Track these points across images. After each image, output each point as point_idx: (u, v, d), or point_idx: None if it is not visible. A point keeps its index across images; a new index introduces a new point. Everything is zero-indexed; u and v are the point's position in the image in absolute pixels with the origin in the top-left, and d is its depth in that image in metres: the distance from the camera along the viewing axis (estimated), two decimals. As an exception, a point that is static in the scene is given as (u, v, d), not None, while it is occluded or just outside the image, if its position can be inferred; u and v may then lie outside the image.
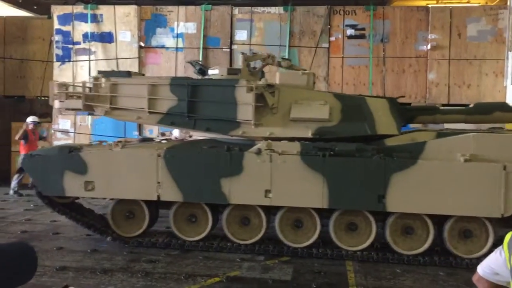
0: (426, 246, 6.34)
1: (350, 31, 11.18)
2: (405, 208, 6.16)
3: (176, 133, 8.12)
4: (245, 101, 6.70)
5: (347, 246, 6.54)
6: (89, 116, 11.73)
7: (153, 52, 11.73)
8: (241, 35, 11.49)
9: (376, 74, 11.02)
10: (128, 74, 7.59)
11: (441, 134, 6.75)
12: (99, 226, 7.07)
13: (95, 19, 11.80)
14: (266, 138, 6.62)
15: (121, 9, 11.67)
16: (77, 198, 7.47)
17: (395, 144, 6.51)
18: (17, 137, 11.02)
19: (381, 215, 6.43)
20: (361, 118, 6.65)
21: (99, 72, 7.92)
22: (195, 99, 6.89)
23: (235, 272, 6.00)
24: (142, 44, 11.70)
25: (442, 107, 7.81)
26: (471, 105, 7.40)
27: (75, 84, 8.22)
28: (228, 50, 11.47)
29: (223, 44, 11.51)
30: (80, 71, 11.88)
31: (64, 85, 7.59)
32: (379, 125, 6.68)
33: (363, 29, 11.14)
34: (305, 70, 7.63)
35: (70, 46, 11.90)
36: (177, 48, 11.63)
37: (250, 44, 11.42)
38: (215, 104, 6.83)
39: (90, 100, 7.26)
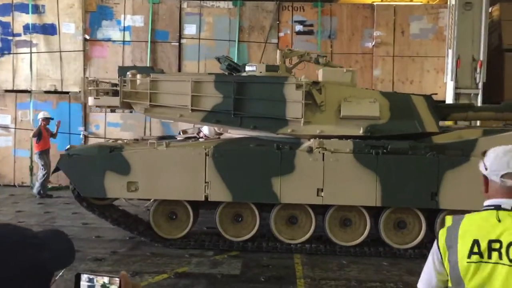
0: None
1: (298, 27, 11.30)
2: (457, 205, 6.12)
3: (205, 130, 7.61)
4: (294, 98, 6.52)
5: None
6: (31, 111, 11.27)
7: (98, 45, 11.40)
8: (190, 29, 11.36)
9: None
10: (152, 69, 7.26)
11: (487, 132, 6.70)
12: (142, 229, 6.79)
13: (37, 10, 11.32)
14: (315, 136, 6.51)
15: (65, 0, 11.24)
16: (116, 199, 7.13)
17: (444, 141, 6.50)
18: (31, 135, 10.26)
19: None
20: (410, 116, 6.64)
21: (119, 67, 7.62)
22: (241, 96, 6.63)
23: (184, 268, 5.95)
24: (87, 37, 11.34)
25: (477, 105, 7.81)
26: (502, 103, 7.55)
27: (108, 80, 7.61)
28: (177, 44, 11.32)
29: (171, 38, 11.34)
30: (20, 64, 11.39)
31: (94, 81, 7.16)
32: (425, 123, 6.70)
33: (311, 25, 11.29)
34: (342, 67, 7.48)
35: (10, 37, 11.36)
36: (124, 41, 11.36)
37: (199, 39, 11.33)
38: (262, 102, 6.60)
39: (127, 97, 6.85)
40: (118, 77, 7.06)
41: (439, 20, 10.93)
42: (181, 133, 8.47)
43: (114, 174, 6.44)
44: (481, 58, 9.59)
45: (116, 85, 6.96)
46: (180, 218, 6.84)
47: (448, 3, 10.17)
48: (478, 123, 8.64)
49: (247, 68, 7.06)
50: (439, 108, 7.19)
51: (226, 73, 7.35)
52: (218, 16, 11.34)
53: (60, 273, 1.42)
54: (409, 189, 6.17)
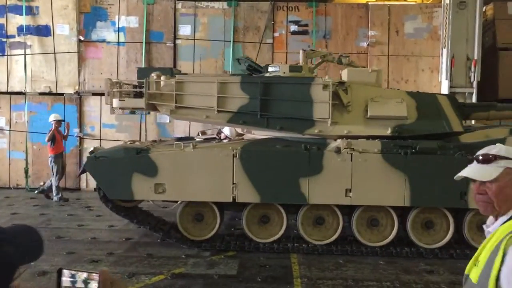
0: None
1: (293, 27, 11.31)
2: None
3: (227, 131, 7.50)
4: (321, 99, 6.52)
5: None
6: (26, 113, 11.23)
7: (93, 47, 11.36)
8: (185, 29, 11.35)
9: (319, 70, 11.18)
10: (171, 71, 7.27)
11: None
12: (167, 230, 6.79)
13: (31, 11, 11.27)
14: (342, 137, 6.51)
15: (59, 2, 11.21)
16: (141, 201, 7.12)
17: (472, 141, 6.51)
18: (46, 140, 10.11)
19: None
20: (437, 116, 6.65)
21: (139, 69, 7.54)
22: (267, 97, 6.62)
23: (180, 269, 5.94)
24: (82, 38, 11.31)
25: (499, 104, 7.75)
26: None
27: (129, 82, 7.58)
28: (172, 45, 11.31)
29: (166, 39, 11.32)
30: (15, 66, 11.34)
31: (117, 83, 7.15)
32: (452, 122, 6.69)
33: (306, 25, 11.30)
34: (364, 67, 7.44)
35: (4, 39, 11.31)
36: (118, 42, 11.33)
37: (194, 39, 11.32)
38: (289, 102, 6.60)
39: (152, 99, 6.83)
40: (138, 79, 7.08)
41: (434, 20, 10.97)
42: (200, 134, 8.48)
43: (141, 176, 6.45)
44: (476, 57, 9.63)
45: (139, 86, 6.96)
46: (206, 220, 6.83)
47: (442, 2, 10.20)
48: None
49: (270, 68, 7.05)
50: (461, 108, 7.18)
51: (248, 74, 7.32)
52: (213, 17, 11.34)
53: (28, 267, 1.50)
54: (438, 189, 6.16)
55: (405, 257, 6.41)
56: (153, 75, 6.85)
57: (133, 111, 7.71)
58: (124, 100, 6.97)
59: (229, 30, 11.26)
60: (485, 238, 1.97)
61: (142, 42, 11.24)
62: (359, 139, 6.41)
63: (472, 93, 9.71)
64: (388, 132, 6.47)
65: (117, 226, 7.97)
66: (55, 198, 9.95)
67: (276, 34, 11.35)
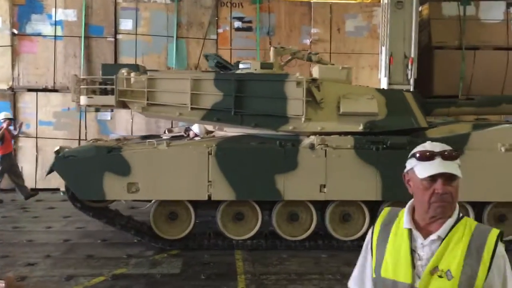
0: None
1: (237, 24, 11.29)
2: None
3: (196, 128, 7.32)
4: (295, 96, 6.52)
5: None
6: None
7: (28, 40, 10.84)
8: (126, 24, 11.06)
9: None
10: (137, 67, 6.99)
11: (476, 126, 6.83)
12: (143, 230, 6.64)
13: (-42, 2, 10.61)
14: (316, 133, 6.51)
15: (-10, -8, 10.61)
16: (112, 202, 6.89)
17: (438, 136, 6.59)
18: None
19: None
20: (406, 112, 6.80)
21: (103, 65, 7.30)
22: (241, 94, 6.55)
23: (122, 270, 5.79)
24: (16, 31, 10.76)
25: (458, 100, 7.93)
26: (476, 98, 7.83)
27: (96, 78, 7.18)
28: (113, 39, 10.99)
29: (107, 33, 10.99)
30: None
31: (83, 80, 6.78)
32: (418, 118, 6.84)
33: (250, 21, 11.31)
34: (333, 64, 7.47)
35: None
36: (55, 36, 10.87)
37: (136, 34, 11.06)
38: (263, 100, 6.55)
39: (122, 96, 6.59)
40: (102, 75, 6.82)
41: (373, 18, 11.29)
42: (166, 131, 8.22)
43: (113, 175, 6.23)
44: (412, 55, 9.98)
45: (106, 83, 6.72)
46: (180, 219, 6.70)
47: (381, 2, 10.51)
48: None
49: (241, 65, 7.02)
50: (424, 104, 7.38)
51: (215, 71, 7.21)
52: (155, 11, 11.12)
53: None
54: None
55: (347, 250, 6.56)
56: (123, 71, 6.64)
57: (98, 108, 7.44)
58: (92, 98, 6.74)
59: (172, 25, 11.08)
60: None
61: (81, 36, 10.84)
62: (332, 135, 6.51)
63: (409, 90, 10.05)
64: (360, 128, 6.58)
65: (55, 227, 7.67)
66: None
67: (220, 30, 11.29)
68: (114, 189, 6.27)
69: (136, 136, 8.61)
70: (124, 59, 11.00)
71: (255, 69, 6.89)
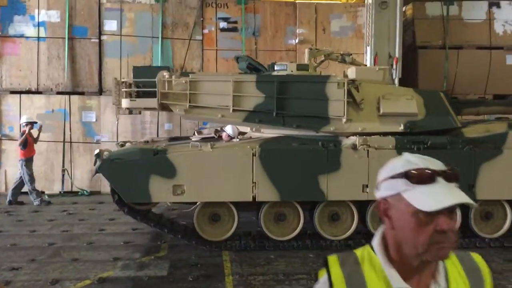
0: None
1: (222, 24, 11.27)
2: (491, 195, 6.56)
3: (229, 130, 7.25)
4: (336, 97, 6.59)
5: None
6: None
7: (11, 42, 10.71)
8: (110, 25, 10.97)
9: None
10: (168, 68, 7.02)
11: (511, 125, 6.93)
12: (186, 233, 6.63)
13: None
14: (356, 134, 6.57)
15: (-29, -7, 10.46)
16: (156, 205, 6.98)
17: (476, 135, 6.72)
18: (19, 145, 9.45)
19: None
20: (444, 112, 6.88)
21: (135, 68, 7.30)
22: (283, 95, 6.62)
23: (108, 273, 5.73)
24: (-2, 33, 10.62)
25: (488, 100, 8.02)
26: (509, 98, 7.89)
27: (135, 81, 7.13)
28: (97, 40, 10.89)
29: (91, 34, 10.89)
30: None
31: (124, 82, 6.85)
32: (455, 118, 6.94)
33: (235, 22, 11.30)
34: (366, 65, 7.50)
35: None
36: (38, 37, 10.75)
37: (120, 35, 10.97)
38: (304, 101, 6.61)
39: (164, 99, 6.65)
40: (134, 78, 6.83)
41: (358, 19, 11.35)
42: (195, 133, 8.26)
43: (159, 177, 6.25)
44: (397, 55, 10.05)
45: (146, 86, 6.79)
46: (223, 220, 6.69)
47: (366, 2, 10.57)
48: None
49: (277, 67, 7.07)
50: (454, 104, 7.43)
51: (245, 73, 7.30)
52: (140, 12, 11.05)
53: None
54: None
55: (334, 249, 6.58)
56: (165, 74, 6.70)
57: (131, 111, 7.49)
58: (135, 101, 6.80)
59: (157, 26, 11.03)
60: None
61: (65, 38, 10.73)
62: (373, 136, 6.57)
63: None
64: (401, 128, 6.68)
65: (40, 231, 7.58)
66: (36, 203, 9.47)
67: (205, 31, 11.26)
68: (160, 191, 6.29)
69: (163, 138, 8.58)
70: (109, 60, 10.93)
71: (291, 71, 6.98)
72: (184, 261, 6.17)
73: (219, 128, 7.86)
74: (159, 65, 10.91)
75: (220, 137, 7.48)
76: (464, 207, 6.58)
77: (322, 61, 7.98)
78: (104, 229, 7.74)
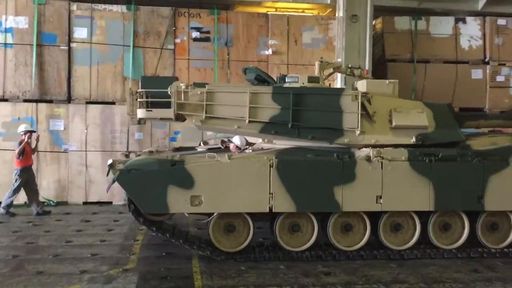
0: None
1: (195, 34, 11.25)
2: (500, 206, 6.80)
3: (237, 141, 7.27)
4: (350, 109, 6.76)
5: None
6: None
7: (-24, 48, 10.42)
8: (80, 32, 10.81)
9: (222, 77, 11.26)
10: (176, 79, 7.01)
11: None
12: (200, 244, 6.58)
13: None
14: (370, 146, 6.71)
15: None
16: (171, 216, 7.13)
17: (483, 148, 6.94)
18: (17, 154, 9.26)
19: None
20: (452, 125, 7.14)
21: (143, 77, 7.32)
22: (298, 107, 6.73)
23: (74, 286, 5.58)
24: (-38, 38, 10.32)
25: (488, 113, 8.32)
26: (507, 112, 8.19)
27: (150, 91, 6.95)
28: (66, 48, 10.71)
29: (60, 41, 10.71)
30: None
31: (138, 92, 6.84)
32: (460, 131, 7.20)
33: (208, 32, 11.30)
34: (372, 78, 7.70)
35: None
36: (5, 44, 10.50)
37: (91, 43, 10.82)
38: (319, 113, 6.75)
39: (180, 109, 6.70)
40: (142, 88, 6.83)
41: (329, 31, 11.51)
42: (201, 144, 8.25)
43: (177, 188, 6.27)
44: (367, 67, 10.22)
45: (147, 96, 6.77)
46: (238, 231, 6.71)
47: (337, 15, 10.76)
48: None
49: (288, 79, 7.20)
50: (457, 116, 7.60)
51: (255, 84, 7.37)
52: (111, 20, 10.93)
53: None
54: (458, 194, 6.66)
55: (305, 261, 6.60)
56: (181, 85, 6.75)
57: (142, 121, 7.55)
58: (151, 111, 6.78)
59: (129, 34, 10.92)
60: None
61: (33, 44, 10.52)
62: (385, 148, 6.71)
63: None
64: (412, 140, 6.86)
65: (3, 242, 7.36)
66: (1, 211, 9.28)
67: (177, 40, 11.22)
68: (177, 202, 6.30)
69: (169, 148, 8.54)
70: (78, 68, 10.76)
71: (303, 83, 7.11)
72: (153, 273, 6.07)
73: (225, 139, 7.94)
74: (129, 74, 10.81)
75: (227, 148, 7.55)
76: (472, 218, 6.76)
77: (331, 73, 8.13)
78: (71, 241, 7.56)
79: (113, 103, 10.85)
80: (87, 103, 10.78)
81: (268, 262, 6.50)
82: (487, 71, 11.84)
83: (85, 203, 10.59)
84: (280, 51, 11.41)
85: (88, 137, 10.64)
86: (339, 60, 8.73)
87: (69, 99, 10.76)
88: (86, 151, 10.66)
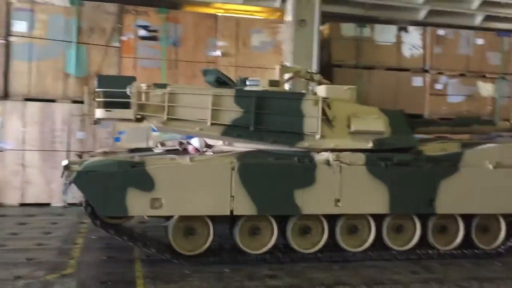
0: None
1: (142, 32, 11.00)
2: (450, 209, 7.11)
3: (196, 143, 7.16)
4: (312, 114, 6.82)
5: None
6: None
7: None
8: (20, 26, 10.30)
9: (169, 77, 11.06)
10: (134, 78, 6.75)
11: (464, 145, 7.42)
12: (159, 247, 6.48)
13: None
14: (328, 150, 6.81)
15: None
16: (128, 220, 7.00)
17: (435, 153, 7.14)
18: None
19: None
20: (406, 130, 7.41)
21: (99, 76, 7.07)
22: (260, 111, 6.74)
23: (7, 293, 5.31)
24: None
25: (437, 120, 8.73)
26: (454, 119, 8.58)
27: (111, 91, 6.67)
28: (4, 41, 10.18)
29: (-3, 34, 10.17)
30: None
31: (96, 92, 6.60)
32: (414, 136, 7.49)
33: (156, 31, 11.08)
34: (330, 83, 7.75)
35: None
36: None
37: (31, 37, 10.35)
38: (281, 117, 6.77)
39: (141, 110, 6.55)
40: (99, 87, 6.59)
41: (278, 35, 11.59)
42: (159, 145, 8.04)
43: (137, 190, 6.11)
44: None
45: (118, 96, 6.56)
46: (198, 234, 6.65)
47: (285, 19, 10.86)
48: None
49: (249, 82, 7.14)
50: (410, 123, 7.80)
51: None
52: (53, 14, 10.49)
53: None
54: (412, 197, 6.93)
55: (250, 264, 6.60)
56: (142, 85, 6.55)
57: (99, 121, 7.32)
58: (111, 111, 6.55)
59: (72, 30, 10.53)
60: None
61: (-34, 37, 9.94)
62: (344, 152, 6.81)
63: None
64: (370, 145, 7.01)
65: None
66: None
67: (124, 38, 10.92)
68: (137, 204, 6.16)
69: (123, 149, 8.25)
70: (17, 63, 10.26)
71: (263, 86, 7.10)
72: (93, 278, 5.87)
73: (183, 141, 7.82)
74: (72, 71, 10.43)
75: (185, 150, 7.44)
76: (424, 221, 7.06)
77: (290, 78, 8.17)
78: (5, 245, 7.19)
79: (53, 100, 10.42)
80: (26, 100, 10.30)
81: (213, 266, 6.46)
82: (427, 79, 12.35)
83: (21, 204, 10.11)
84: (229, 53, 11.37)
85: (26, 136, 10.17)
86: (298, 66, 8.85)
87: (5, 96, 10.23)
88: (23, 150, 10.17)
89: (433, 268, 6.81)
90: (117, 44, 10.85)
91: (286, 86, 8.33)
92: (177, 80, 11.07)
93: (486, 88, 12.71)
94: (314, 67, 10.49)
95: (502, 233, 7.51)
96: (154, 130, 9.37)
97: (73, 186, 6.27)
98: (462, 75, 12.58)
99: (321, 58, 11.10)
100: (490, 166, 7.16)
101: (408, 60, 12.32)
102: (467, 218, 7.41)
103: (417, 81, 12.34)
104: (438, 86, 12.44)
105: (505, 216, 7.49)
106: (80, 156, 7.02)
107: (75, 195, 6.43)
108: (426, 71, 12.40)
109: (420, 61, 12.39)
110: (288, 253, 6.86)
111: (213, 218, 6.69)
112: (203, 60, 11.27)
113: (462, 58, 12.59)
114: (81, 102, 10.27)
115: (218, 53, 11.34)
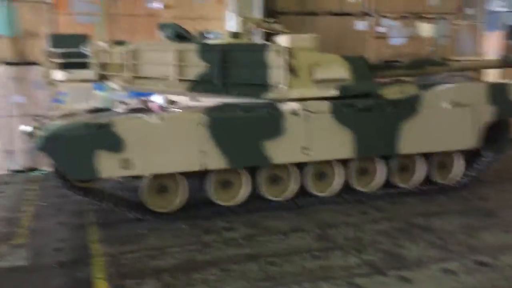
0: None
1: (76, -14, 10.34)
2: (411, 149, 7.36)
3: (159, 100, 6.97)
4: (276, 64, 6.79)
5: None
6: None
7: None
8: None
9: (110, 33, 10.55)
10: (85, 37, 6.45)
11: (421, 86, 7.60)
12: (134, 205, 6.52)
13: None
14: (295, 100, 6.83)
15: None
16: (99, 181, 6.75)
17: (395, 97, 7.30)
18: None
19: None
20: (368, 76, 7.48)
21: (52, 35, 6.87)
22: (225, 64, 6.69)
23: (-45, 269, 5.12)
24: None
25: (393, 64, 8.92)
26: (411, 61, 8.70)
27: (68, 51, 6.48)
28: None
29: None
30: None
31: (54, 53, 6.38)
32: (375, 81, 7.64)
33: (91, -16, 10.44)
34: (290, 32, 7.58)
35: None
36: None
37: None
38: (246, 69, 6.76)
39: (102, 69, 6.41)
40: (53, 47, 6.31)
41: (219, -17, 11.20)
42: (121, 105, 7.57)
43: (106, 152, 6.02)
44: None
45: (68, 56, 6.40)
46: (171, 191, 6.67)
47: (226, -34, 10.47)
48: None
49: (212, 36, 7.04)
50: (370, 68, 7.84)
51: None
52: (-26, -30, 9.65)
53: None
54: (375, 141, 7.14)
55: (205, 218, 6.65)
56: (101, 44, 6.30)
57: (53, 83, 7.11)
58: (72, 73, 6.39)
59: (-3, -14, 9.74)
60: None
61: None
62: (309, 101, 6.85)
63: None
64: (334, 92, 7.07)
65: None
66: None
67: (56, -7, 10.25)
68: (107, 166, 6.06)
69: (84, 109, 7.71)
70: None
71: (226, 40, 7.00)
72: (46, 246, 5.75)
73: (145, 98, 7.61)
74: (3, 30, 9.74)
75: (149, 108, 7.23)
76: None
77: (250, 30, 7.92)
78: (-52, 219, 6.87)
79: (-16, 63, 9.76)
80: (-45, 65, 9.61)
81: (169, 223, 6.46)
82: (370, 23, 12.43)
83: (-38, 175, 9.63)
84: (169, 5, 10.93)
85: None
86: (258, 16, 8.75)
87: None
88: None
89: (383, 207, 7.12)
90: (49, 0, 10.17)
91: (254, 39, 8.17)
92: (119, 36, 10.58)
93: (426, 29, 12.97)
94: (259, 15, 10.29)
95: (456, 168, 7.95)
96: (98, 89, 9.07)
97: (31, 151, 6.10)
98: (403, 17, 12.73)
99: (266, 6, 10.88)
100: (448, 106, 7.44)
101: (350, 5, 12.29)
102: (427, 157, 7.76)
103: (360, 25, 12.41)
104: (381, 29, 12.57)
105: (463, 152, 7.89)
106: (38, 121, 6.71)
107: (19, 161, 6.19)
108: (368, 14, 12.46)
109: (361, 5, 12.41)
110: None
111: (185, 174, 6.68)
112: (144, 13, 10.79)
113: (402, 0, 12.70)
114: (15, 64, 9.73)
115: (159, 5, 10.87)
